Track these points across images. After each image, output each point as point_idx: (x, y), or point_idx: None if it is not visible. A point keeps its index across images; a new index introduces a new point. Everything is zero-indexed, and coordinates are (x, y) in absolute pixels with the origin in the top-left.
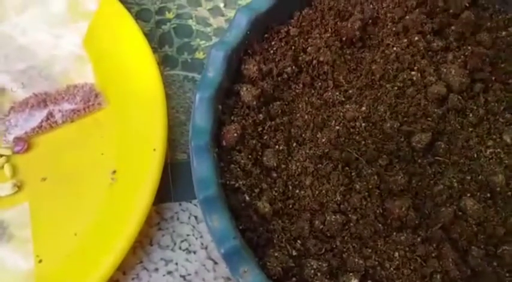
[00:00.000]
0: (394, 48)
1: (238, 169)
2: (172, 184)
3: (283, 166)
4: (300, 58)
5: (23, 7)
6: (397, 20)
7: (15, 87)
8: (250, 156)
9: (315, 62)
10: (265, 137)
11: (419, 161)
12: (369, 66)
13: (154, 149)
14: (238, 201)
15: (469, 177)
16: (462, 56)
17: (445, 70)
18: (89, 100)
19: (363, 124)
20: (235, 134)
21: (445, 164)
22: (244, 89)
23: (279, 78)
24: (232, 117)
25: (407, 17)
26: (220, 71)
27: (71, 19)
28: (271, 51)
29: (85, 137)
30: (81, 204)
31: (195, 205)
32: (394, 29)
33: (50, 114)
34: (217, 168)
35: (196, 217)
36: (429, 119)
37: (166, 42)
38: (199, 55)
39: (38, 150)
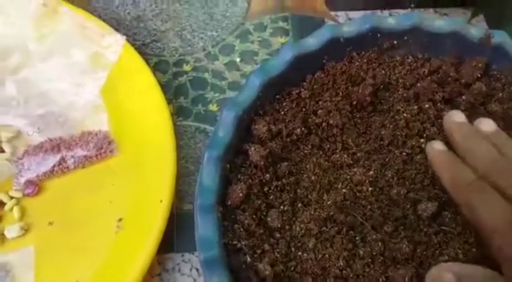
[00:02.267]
0: (404, 114)
1: (242, 229)
2: (176, 234)
3: (287, 227)
4: (310, 120)
5: (47, 56)
6: (408, 87)
7: (31, 131)
8: (254, 217)
9: (324, 124)
10: (270, 197)
11: (424, 229)
12: (378, 131)
13: (161, 201)
14: (239, 262)
15: (474, 250)
16: None
17: None
18: (102, 147)
19: (370, 188)
20: (241, 194)
21: (450, 234)
22: (253, 149)
23: (288, 139)
24: (239, 176)
25: (418, 84)
26: (230, 131)
27: (92, 69)
28: (282, 112)
29: (95, 183)
30: (85, 251)
31: (197, 257)
32: (405, 95)
33: (63, 159)
34: (220, 228)
35: (197, 270)
36: (436, 187)
37: (182, 94)
38: (213, 107)
39: (48, 194)
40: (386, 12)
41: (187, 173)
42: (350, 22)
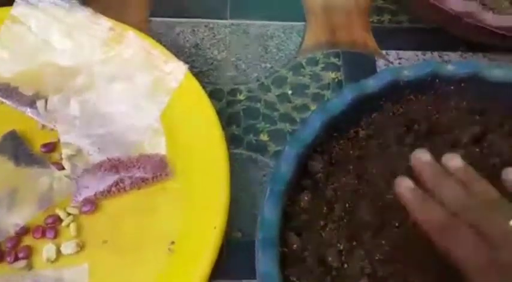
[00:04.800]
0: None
1: (302, 266)
2: (225, 261)
3: (345, 266)
4: (364, 161)
5: (111, 79)
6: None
7: (91, 150)
8: (314, 255)
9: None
10: (327, 237)
11: None
12: None
13: (215, 227)
14: None
15: None
16: None
17: None
18: (158, 170)
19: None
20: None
21: None
22: (306, 198)
23: (344, 179)
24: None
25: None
26: (291, 167)
27: (153, 94)
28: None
29: (149, 205)
30: (137, 271)
31: None
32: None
33: (120, 180)
34: (280, 263)
35: None
36: None
37: (235, 122)
38: (264, 137)
39: (103, 213)
40: (436, 54)
41: (237, 201)
42: (410, 66)
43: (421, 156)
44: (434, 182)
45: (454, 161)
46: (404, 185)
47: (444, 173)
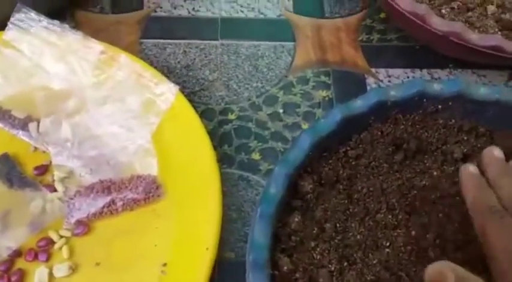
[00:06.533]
0: (443, 174)
1: None
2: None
3: None
4: (354, 180)
5: (103, 102)
6: (447, 150)
7: (83, 172)
8: (304, 277)
9: (369, 184)
10: (318, 257)
11: None
12: (419, 192)
13: (207, 248)
14: None
15: None
16: None
17: None
18: (150, 191)
19: (413, 248)
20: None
21: None
22: (296, 220)
23: (334, 200)
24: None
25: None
26: (281, 188)
27: (144, 115)
28: (328, 171)
29: (141, 226)
30: None
31: None
32: (443, 157)
33: (112, 201)
34: None
35: None
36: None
37: (227, 142)
38: (256, 156)
39: (95, 235)
40: (425, 71)
41: (229, 221)
42: (397, 86)
43: (494, 152)
44: (498, 177)
45: None
46: (469, 170)
47: (510, 172)
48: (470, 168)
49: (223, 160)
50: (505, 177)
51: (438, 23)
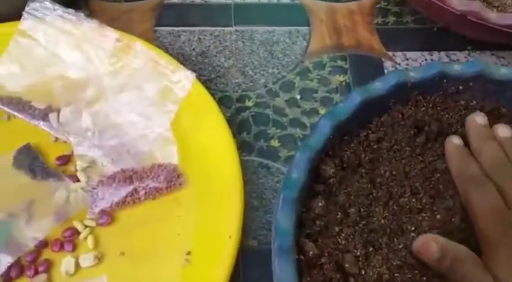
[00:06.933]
0: None
1: (320, 273)
2: (241, 271)
3: (362, 272)
4: (377, 164)
5: (120, 90)
6: None
7: (105, 162)
8: (331, 262)
9: (392, 167)
10: (343, 242)
11: None
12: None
13: (230, 236)
14: None
15: None
16: None
17: None
18: (171, 180)
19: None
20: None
21: None
22: (319, 205)
23: (356, 184)
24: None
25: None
26: (303, 173)
27: (162, 103)
28: (350, 154)
29: (164, 215)
30: None
31: None
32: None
33: (135, 191)
34: (298, 271)
35: None
36: None
37: (245, 129)
38: (275, 143)
39: (119, 224)
40: (443, 54)
41: (251, 208)
42: (417, 68)
43: (476, 119)
44: (479, 143)
45: (503, 130)
46: (453, 142)
47: (491, 136)
48: (454, 140)
49: (242, 147)
50: (487, 142)
51: (456, 3)
